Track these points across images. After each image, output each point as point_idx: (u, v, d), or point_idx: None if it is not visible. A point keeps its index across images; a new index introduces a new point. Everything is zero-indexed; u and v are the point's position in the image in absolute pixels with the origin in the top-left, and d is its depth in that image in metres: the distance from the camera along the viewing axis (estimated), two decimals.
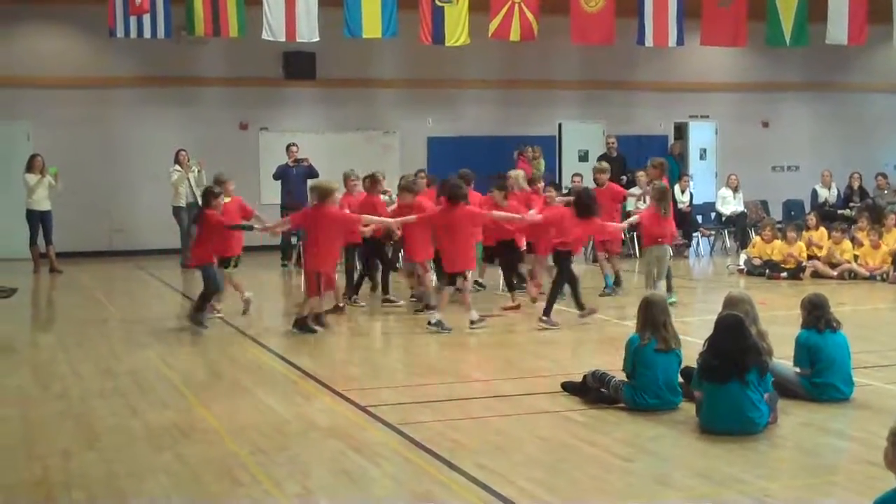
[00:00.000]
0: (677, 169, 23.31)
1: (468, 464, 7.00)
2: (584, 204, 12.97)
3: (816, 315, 8.75)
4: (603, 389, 8.55)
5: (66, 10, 21.61)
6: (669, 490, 6.57)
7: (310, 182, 14.13)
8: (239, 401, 9.06)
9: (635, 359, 8.38)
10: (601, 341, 11.88)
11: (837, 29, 20.43)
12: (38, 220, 19.47)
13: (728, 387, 7.59)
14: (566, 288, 13.08)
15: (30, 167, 19.43)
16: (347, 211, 13.50)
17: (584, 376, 8.80)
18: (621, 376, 8.52)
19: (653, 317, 8.41)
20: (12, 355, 11.72)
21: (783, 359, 8.83)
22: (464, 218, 12.58)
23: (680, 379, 8.45)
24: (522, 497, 6.34)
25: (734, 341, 7.78)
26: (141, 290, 17.60)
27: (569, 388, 8.94)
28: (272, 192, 20.18)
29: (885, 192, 22.07)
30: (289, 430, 8.02)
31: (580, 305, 12.95)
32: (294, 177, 19.65)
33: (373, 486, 6.74)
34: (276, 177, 19.96)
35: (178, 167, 19.80)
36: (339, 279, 14.02)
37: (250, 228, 13.72)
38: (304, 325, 12.31)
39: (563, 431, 7.90)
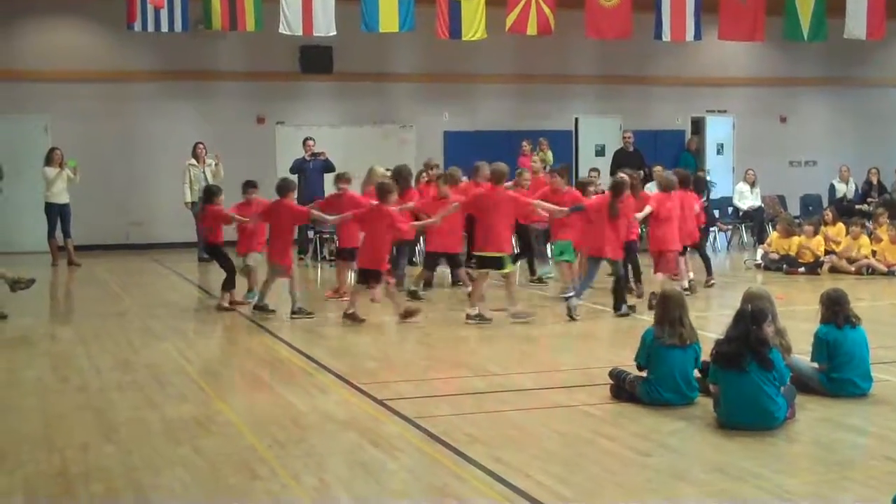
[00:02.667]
0: (694, 164, 23.29)
1: (485, 457, 7.00)
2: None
3: (836, 310, 8.72)
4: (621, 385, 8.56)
5: (84, 4, 21.71)
6: (686, 485, 6.56)
7: (375, 180, 14.21)
8: (256, 394, 9.08)
9: (650, 353, 8.37)
10: (620, 335, 11.86)
11: (856, 23, 20.36)
12: (57, 214, 19.55)
13: (742, 378, 7.57)
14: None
15: (49, 160, 19.51)
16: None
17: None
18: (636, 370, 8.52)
19: (669, 311, 8.40)
20: (31, 348, 11.76)
21: (801, 354, 8.81)
22: (507, 200, 12.68)
23: (697, 374, 8.44)
24: (539, 491, 6.34)
25: (735, 330, 7.77)
26: (158, 283, 17.64)
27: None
28: None
29: None
30: (306, 423, 8.03)
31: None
32: (310, 171, 19.69)
33: (389, 479, 6.75)
34: (292, 171, 19.97)
35: (194, 161, 19.84)
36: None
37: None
38: (354, 317, 12.51)
39: (579, 426, 7.89)
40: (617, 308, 12.93)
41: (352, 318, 12.51)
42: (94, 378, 9.81)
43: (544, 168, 18.14)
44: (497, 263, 12.51)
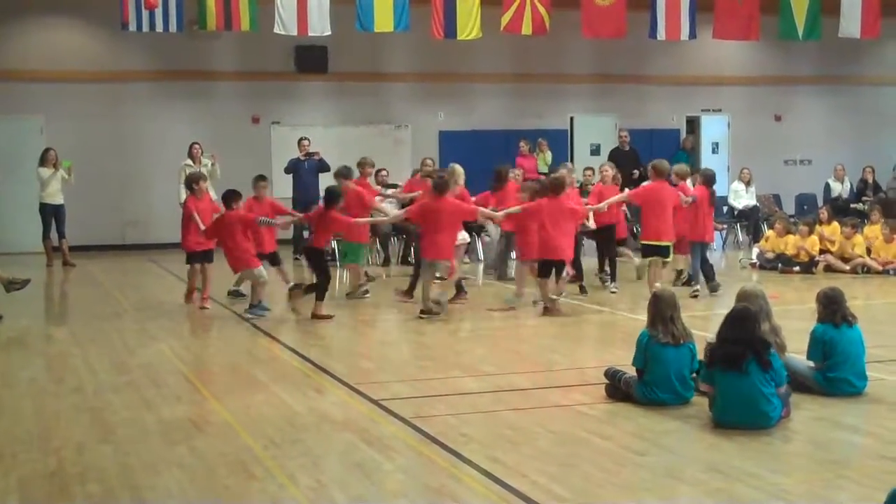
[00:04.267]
0: (689, 163, 23.28)
1: (480, 457, 7.01)
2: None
3: (833, 309, 8.74)
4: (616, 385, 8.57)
5: (78, 4, 21.69)
6: (682, 484, 6.57)
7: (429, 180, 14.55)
8: (252, 394, 9.08)
9: (646, 354, 8.38)
10: (615, 335, 11.87)
11: (850, 22, 20.39)
12: (52, 214, 19.53)
13: (741, 380, 7.58)
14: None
15: (43, 161, 19.49)
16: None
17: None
18: (633, 371, 8.52)
19: (661, 311, 8.42)
20: (26, 349, 11.75)
21: (796, 353, 8.82)
22: (568, 209, 13.14)
23: (693, 374, 8.44)
24: (535, 490, 6.34)
25: (740, 331, 7.77)
26: (154, 284, 17.63)
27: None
28: (285, 186, 20.17)
29: None
30: (302, 424, 8.03)
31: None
32: (305, 171, 19.68)
33: (385, 480, 6.75)
34: (287, 171, 19.98)
35: (189, 161, 19.81)
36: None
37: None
38: (429, 311, 12.79)
39: (575, 425, 7.90)
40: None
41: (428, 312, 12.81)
42: (90, 379, 9.80)
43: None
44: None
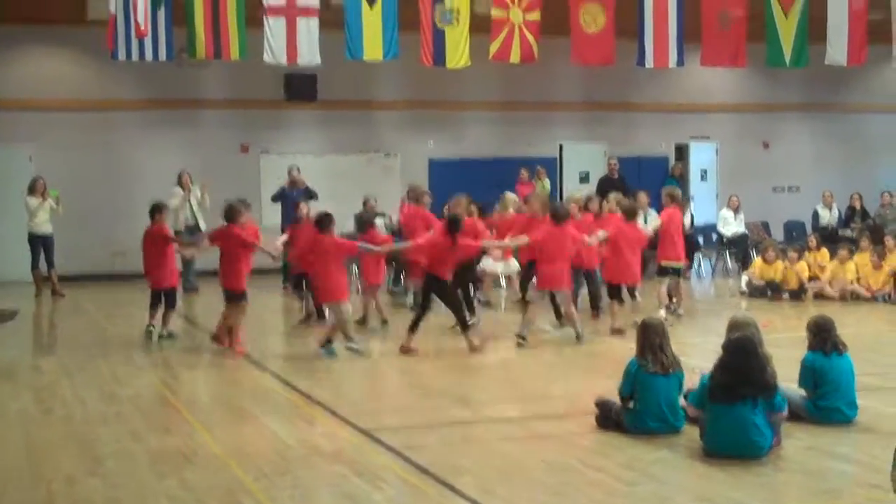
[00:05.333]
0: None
1: (472, 488, 6.99)
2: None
3: (823, 337, 8.75)
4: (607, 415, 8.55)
5: (67, 33, 21.66)
6: None
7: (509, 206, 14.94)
8: (242, 425, 9.04)
9: (635, 382, 8.37)
10: (606, 363, 11.84)
11: (837, 50, 20.44)
12: (40, 244, 19.45)
13: (733, 409, 7.58)
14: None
15: (31, 190, 19.44)
16: None
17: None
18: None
19: (649, 340, 8.42)
20: (15, 379, 11.68)
21: (786, 381, 8.82)
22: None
23: (682, 402, 8.44)
24: None
25: (747, 361, 7.75)
26: (143, 314, 17.51)
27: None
28: (273, 214, 20.13)
29: (889, 210, 22.05)
30: (291, 455, 8.00)
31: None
32: (293, 199, 19.62)
33: None
34: (274, 199, 19.94)
35: (179, 189, 19.78)
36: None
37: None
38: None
39: (566, 455, 7.88)
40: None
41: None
42: (79, 410, 9.76)
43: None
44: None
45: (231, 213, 13.18)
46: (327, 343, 12.37)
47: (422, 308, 12.74)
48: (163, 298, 14.13)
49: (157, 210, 14.25)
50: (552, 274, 13.01)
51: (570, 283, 13.39)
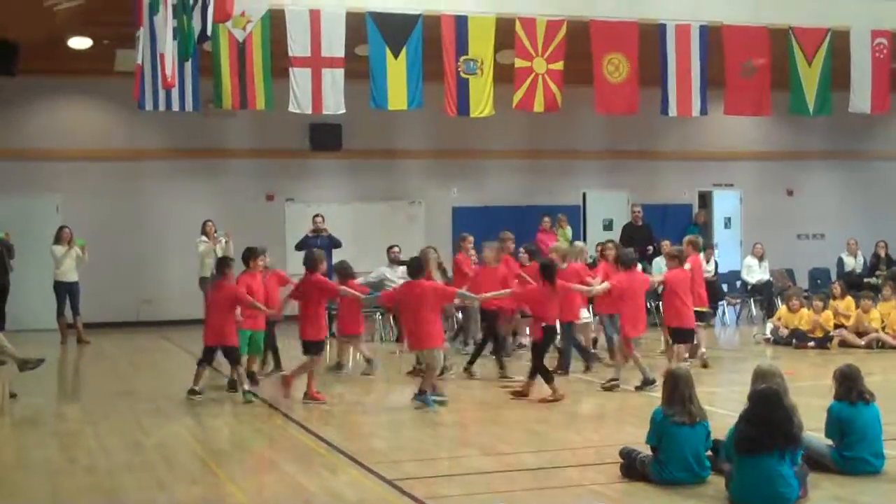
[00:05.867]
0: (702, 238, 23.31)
1: None
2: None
3: (849, 386, 8.70)
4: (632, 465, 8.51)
5: (94, 84, 21.94)
6: None
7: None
8: (266, 475, 9.04)
9: (661, 432, 8.33)
10: (628, 412, 11.79)
11: (860, 98, 20.48)
12: (66, 292, 19.62)
13: (761, 460, 7.52)
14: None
15: (57, 239, 19.65)
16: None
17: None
18: (648, 450, 8.47)
19: (678, 390, 8.38)
20: (39, 427, 11.73)
21: (812, 430, 8.76)
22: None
23: (708, 452, 8.39)
24: None
25: (774, 412, 7.70)
26: (168, 362, 17.63)
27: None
28: (297, 263, 20.16)
29: None
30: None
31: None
32: (317, 247, 19.69)
33: None
34: (297, 248, 20.03)
35: (204, 238, 19.94)
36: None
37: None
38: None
39: None
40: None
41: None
42: (103, 459, 9.77)
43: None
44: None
45: (312, 262, 12.86)
46: (422, 393, 12.15)
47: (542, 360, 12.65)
48: (215, 355, 13.13)
49: (227, 265, 13.39)
50: (635, 318, 13.23)
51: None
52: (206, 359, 13.09)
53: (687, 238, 16.01)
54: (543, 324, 12.62)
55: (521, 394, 12.58)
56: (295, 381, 12.80)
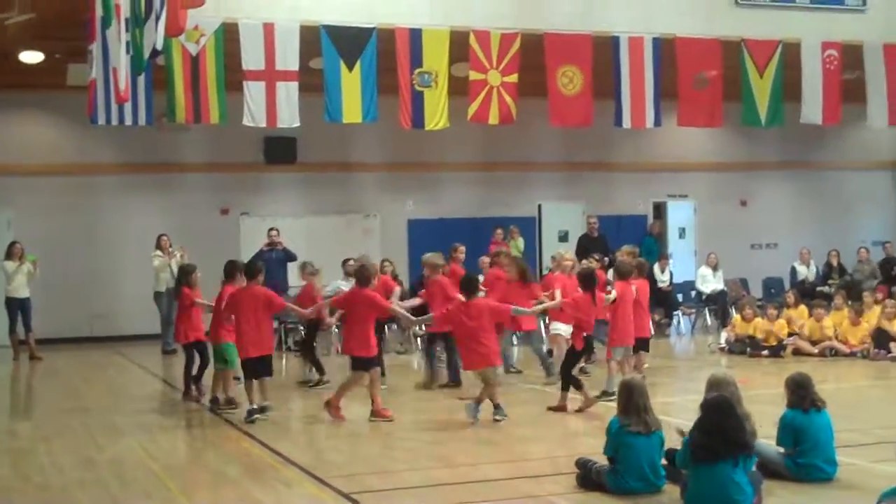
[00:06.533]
0: (657, 248, 23.47)
1: None
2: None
3: (801, 395, 8.77)
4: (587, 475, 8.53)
5: (46, 98, 21.78)
6: None
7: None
8: (221, 490, 8.97)
9: (617, 442, 8.37)
10: (587, 423, 11.82)
11: (812, 109, 20.70)
12: (17, 308, 19.43)
13: (714, 468, 7.55)
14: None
15: (8, 255, 19.49)
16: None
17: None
18: (604, 460, 8.49)
19: (633, 400, 8.42)
20: None
21: (766, 438, 8.82)
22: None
23: (663, 461, 8.43)
24: None
25: (724, 421, 7.74)
26: (121, 377, 17.49)
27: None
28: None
29: (866, 266, 22.22)
30: None
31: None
32: (271, 261, 19.62)
33: None
34: (252, 261, 19.90)
35: (159, 252, 19.85)
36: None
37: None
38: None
39: None
40: None
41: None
42: (56, 476, 9.67)
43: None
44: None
45: (363, 276, 12.59)
46: (477, 404, 11.91)
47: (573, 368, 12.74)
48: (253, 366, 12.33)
49: (258, 270, 12.72)
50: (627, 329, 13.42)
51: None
52: (254, 373, 12.26)
53: (638, 261, 15.70)
54: (585, 333, 12.68)
55: (560, 408, 12.46)
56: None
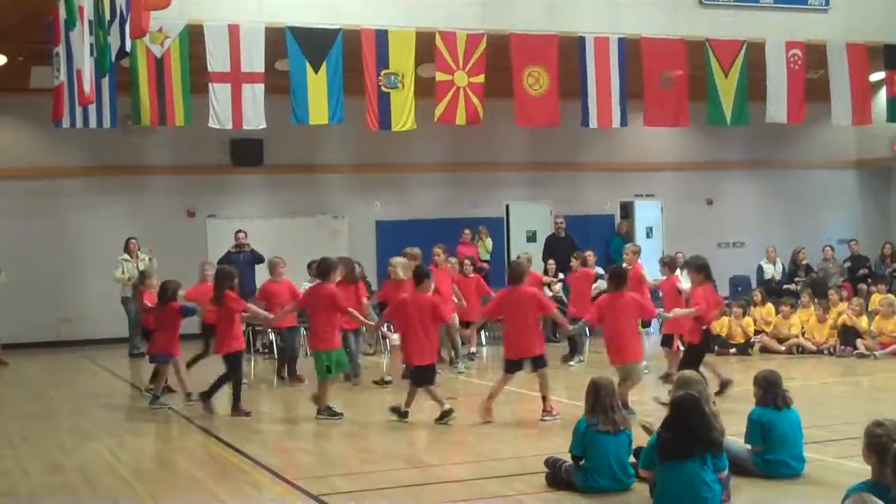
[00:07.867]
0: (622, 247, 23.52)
1: None
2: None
3: (772, 392, 8.82)
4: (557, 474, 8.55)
5: (9, 101, 21.59)
6: None
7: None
8: (190, 493, 8.94)
9: (584, 441, 8.39)
10: (554, 423, 11.83)
11: (776, 108, 20.83)
12: None
13: (682, 466, 7.58)
14: None
15: None
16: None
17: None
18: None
19: (600, 399, 8.45)
20: None
21: (734, 435, 8.87)
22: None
23: (632, 459, 8.46)
24: None
25: (691, 418, 7.77)
26: (89, 381, 17.37)
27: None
28: None
29: (831, 264, 22.37)
30: None
31: None
32: (239, 263, 19.54)
33: None
34: (220, 263, 19.85)
35: (127, 256, 19.75)
36: None
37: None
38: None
39: None
40: None
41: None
42: (23, 481, 9.60)
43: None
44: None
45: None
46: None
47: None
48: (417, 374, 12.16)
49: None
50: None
51: None
52: (417, 381, 12.10)
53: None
54: (704, 326, 12.81)
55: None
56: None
